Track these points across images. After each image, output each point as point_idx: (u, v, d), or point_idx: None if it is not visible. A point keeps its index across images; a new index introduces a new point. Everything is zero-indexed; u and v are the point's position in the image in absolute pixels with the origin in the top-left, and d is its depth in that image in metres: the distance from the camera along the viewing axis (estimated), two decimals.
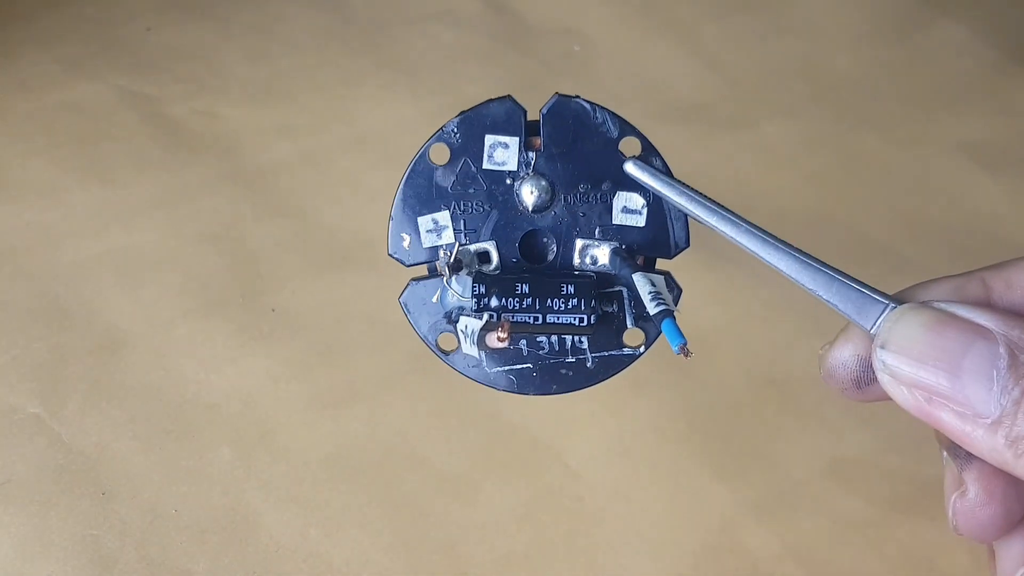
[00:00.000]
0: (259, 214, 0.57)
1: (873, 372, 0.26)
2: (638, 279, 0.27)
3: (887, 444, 0.48)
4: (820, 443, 0.48)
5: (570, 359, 0.29)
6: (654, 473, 0.47)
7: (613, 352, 0.29)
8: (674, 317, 0.26)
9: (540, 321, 0.27)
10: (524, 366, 0.29)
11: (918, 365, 0.24)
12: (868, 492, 0.46)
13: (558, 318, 0.27)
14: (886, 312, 0.26)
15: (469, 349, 0.28)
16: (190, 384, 0.48)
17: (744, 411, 0.50)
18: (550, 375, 0.29)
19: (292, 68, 0.68)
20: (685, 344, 0.25)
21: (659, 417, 0.49)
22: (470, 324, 0.28)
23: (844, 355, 0.28)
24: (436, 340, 0.29)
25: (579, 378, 0.29)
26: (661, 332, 0.26)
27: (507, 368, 0.29)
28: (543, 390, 0.29)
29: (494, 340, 0.28)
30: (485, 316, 0.27)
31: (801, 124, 0.68)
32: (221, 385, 0.48)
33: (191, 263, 0.54)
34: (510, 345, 0.28)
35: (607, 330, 0.29)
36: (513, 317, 0.27)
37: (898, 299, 0.26)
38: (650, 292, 0.27)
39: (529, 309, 0.27)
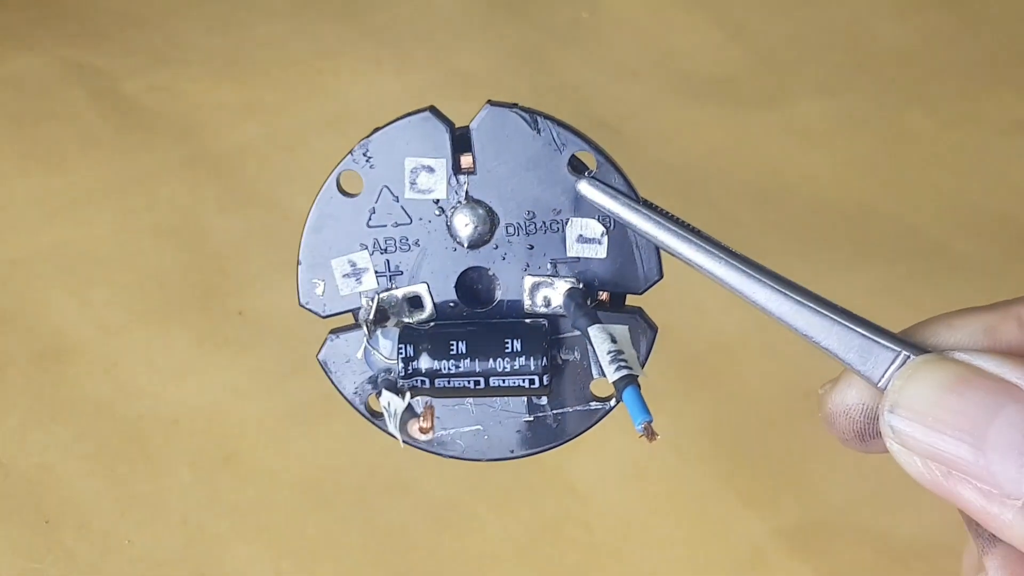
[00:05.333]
0: (224, 204, 0.57)
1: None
2: (595, 333, 0.25)
3: None
4: (862, 464, 0.48)
5: (527, 417, 0.28)
6: (673, 499, 0.46)
7: (579, 407, 0.28)
8: (638, 385, 0.24)
9: (482, 385, 0.26)
10: (473, 428, 0.28)
11: (934, 433, 0.23)
12: (916, 520, 0.46)
13: (503, 380, 0.26)
14: (897, 362, 0.24)
15: (394, 430, 0.27)
16: (145, 398, 0.48)
17: (776, 428, 0.50)
18: (504, 437, 0.28)
19: (261, 38, 0.68)
20: (650, 423, 0.23)
21: (679, 435, 0.48)
22: (393, 402, 0.27)
23: (847, 401, 0.26)
24: (365, 403, 0.28)
25: (540, 438, 0.28)
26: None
27: (453, 431, 0.28)
28: (497, 455, 0.28)
29: (416, 430, 0.26)
30: (407, 399, 0.26)
31: (840, 102, 0.68)
32: (180, 399, 0.48)
33: (146, 260, 0.54)
34: (433, 435, 0.27)
35: (570, 381, 0.27)
36: (449, 382, 0.26)
37: (911, 342, 0.25)
38: (610, 351, 0.25)
39: (468, 372, 0.26)
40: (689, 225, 0.26)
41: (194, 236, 0.55)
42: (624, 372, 0.24)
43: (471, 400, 0.28)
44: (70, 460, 0.45)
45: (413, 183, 0.27)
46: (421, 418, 0.26)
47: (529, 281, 0.27)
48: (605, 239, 0.27)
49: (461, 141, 0.27)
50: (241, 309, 0.52)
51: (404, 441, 0.27)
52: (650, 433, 0.23)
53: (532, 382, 0.26)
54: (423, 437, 0.27)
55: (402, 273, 0.27)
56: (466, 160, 0.27)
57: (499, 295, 0.27)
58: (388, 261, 0.27)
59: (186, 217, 0.56)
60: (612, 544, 0.45)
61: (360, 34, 0.69)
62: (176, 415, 0.48)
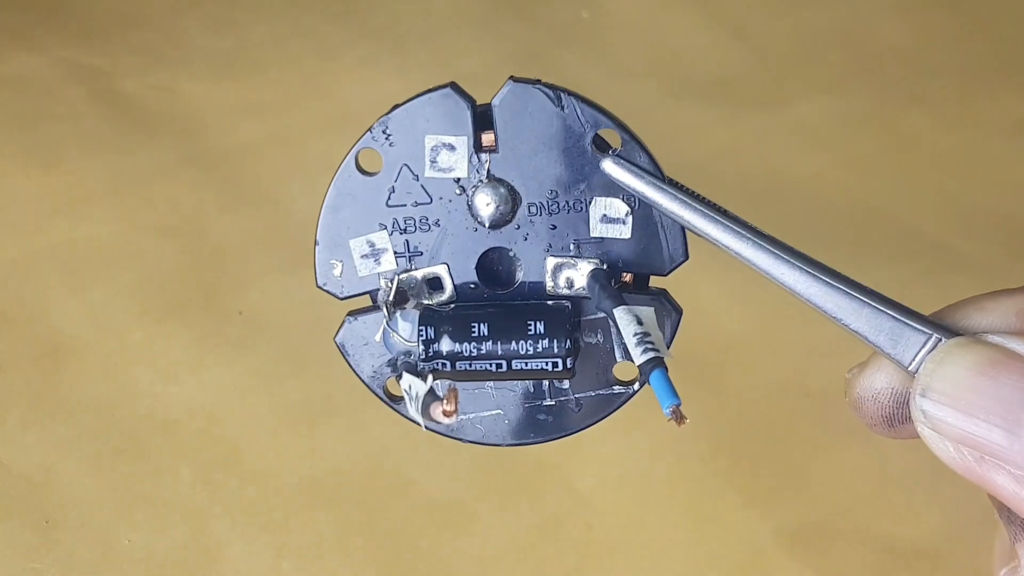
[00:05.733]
0: (224, 203, 0.57)
1: (909, 410, 0.24)
2: (620, 315, 0.25)
3: (940, 465, 0.48)
4: (864, 464, 0.48)
5: (548, 402, 0.28)
6: (674, 498, 0.47)
7: (601, 391, 0.27)
8: (666, 367, 0.24)
9: (504, 368, 0.26)
10: (494, 412, 0.28)
11: (967, 418, 0.22)
12: (918, 520, 0.46)
13: (526, 363, 0.26)
14: (928, 345, 0.24)
15: (415, 414, 0.26)
16: (145, 397, 0.48)
17: (777, 428, 0.50)
18: (525, 422, 0.28)
19: (262, 38, 0.68)
20: (679, 406, 0.23)
21: (680, 435, 0.48)
22: (415, 385, 0.26)
23: (876, 385, 0.26)
24: (383, 386, 0.28)
25: (561, 423, 0.28)
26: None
27: (473, 415, 0.28)
28: (518, 439, 0.28)
29: (439, 413, 0.26)
30: (429, 381, 0.26)
31: (840, 102, 0.68)
32: (181, 398, 0.48)
33: (147, 259, 0.54)
34: (457, 418, 0.27)
35: (592, 365, 0.27)
36: (470, 365, 0.26)
37: (942, 325, 0.25)
38: (636, 333, 0.24)
39: (490, 355, 0.25)
40: (716, 205, 0.26)
41: (194, 236, 0.55)
42: (651, 355, 0.24)
43: (492, 384, 0.27)
44: (70, 460, 0.45)
45: (433, 161, 0.26)
46: (444, 401, 0.25)
47: (552, 262, 0.27)
48: (630, 219, 0.26)
49: (483, 118, 0.26)
50: (241, 309, 0.52)
51: (426, 426, 0.27)
52: (679, 416, 0.23)
53: (555, 365, 0.26)
54: (446, 420, 0.26)
55: (422, 254, 0.27)
56: (488, 138, 0.26)
57: (520, 276, 0.27)
58: (407, 241, 0.27)
59: (186, 217, 0.56)
60: (612, 544, 0.45)
61: (360, 34, 0.69)
62: (176, 415, 0.48)
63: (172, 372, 0.49)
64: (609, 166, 0.26)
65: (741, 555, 0.45)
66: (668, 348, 0.27)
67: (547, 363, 0.26)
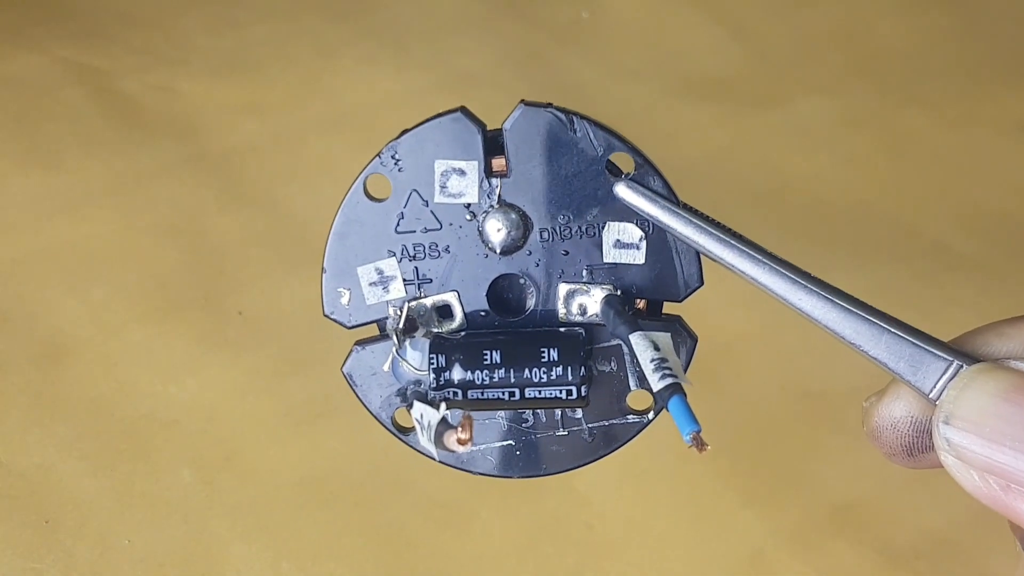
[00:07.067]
0: (224, 204, 0.57)
1: (930, 439, 0.24)
2: (637, 341, 0.24)
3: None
4: (864, 464, 0.48)
5: (561, 432, 0.27)
6: (674, 498, 0.47)
7: (615, 421, 0.27)
8: (684, 393, 0.23)
9: (517, 397, 0.25)
10: (505, 443, 0.27)
11: (992, 445, 0.22)
12: (919, 520, 0.46)
13: (539, 392, 0.25)
14: (949, 372, 0.23)
15: (427, 444, 0.25)
16: (145, 398, 0.48)
17: (777, 428, 0.50)
18: (538, 453, 0.27)
19: (261, 37, 0.68)
20: (699, 432, 0.23)
21: (679, 435, 0.48)
22: (427, 414, 0.25)
23: (895, 414, 0.25)
24: (392, 417, 0.27)
25: (575, 454, 0.27)
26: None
27: (483, 446, 0.27)
28: (529, 471, 0.27)
29: (453, 442, 0.25)
30: (442, 410, 0.25)
31: (839, 102, 0.68)
32: (181, 399, 0.48)
33: (146, 259, 0.54)
34: (472, 447, 0.26)
35: (606, 393, 0.27)
36: (482, 394, 0.25)
37: (962, 351, 0.24)
38: (653, 359, 0.24)
39: (502, 383, 0.25)
40: (731, 229, 0.25)
41: (194, 236, 0.55)
42: (669, 380, 0.24)
43: (503, 414, 0.27)
44: (70, 460, 0.45)
45: (443, 187, 0.26)
46: (459, 429, 0.24)
47: (564, 288, 0.26)
48: (644, 244, 0.26)
49: (493, 143, 0.26)
50: (241, 309, 0.52)
51: (439, 456, 0.26)
52: (699, 443, 0.22)
53: (570, 393, 0.25)
54: (461, 449, 0.25)
55: (431, 281, 0.26)
56: (498, 162, 0.26)
57: (532, 304, 0.27)
58: (417, 268, 0.26)
59: (186, 217, 0.56)
60: (612, 544, 0.45)
61: (360, 34, 0.69)
62: (176, 415, 0.48)
63: (172, 372, 0.49)
64: (622, 190, 0.26)
65: (741, 555, 0.45)
66: (684, 374, 0.26)
67: (561, 391, 0.25)
